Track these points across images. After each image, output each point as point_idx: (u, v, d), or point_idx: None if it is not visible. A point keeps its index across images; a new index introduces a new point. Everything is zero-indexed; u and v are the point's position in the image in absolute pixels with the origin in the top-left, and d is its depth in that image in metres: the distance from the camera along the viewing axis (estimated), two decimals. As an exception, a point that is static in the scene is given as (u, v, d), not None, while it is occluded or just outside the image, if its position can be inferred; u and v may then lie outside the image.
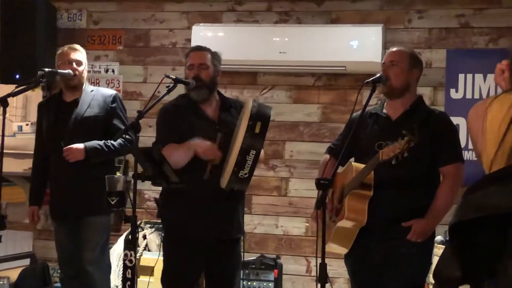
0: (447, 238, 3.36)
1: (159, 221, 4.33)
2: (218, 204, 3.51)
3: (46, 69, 4.00)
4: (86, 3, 5.80)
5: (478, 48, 5.04)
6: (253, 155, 3.27)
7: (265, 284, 4.99)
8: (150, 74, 5.65)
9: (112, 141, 4.05)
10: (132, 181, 3.17)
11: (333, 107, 5.28)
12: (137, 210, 3.17)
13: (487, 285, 2.06)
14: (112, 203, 3.23)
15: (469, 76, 4.96)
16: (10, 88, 4.03)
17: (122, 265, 4.53)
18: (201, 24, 5.42)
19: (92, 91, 4.19)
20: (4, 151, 3.69)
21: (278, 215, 5.35)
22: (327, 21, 5.31)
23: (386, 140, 3.21)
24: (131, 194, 3.17)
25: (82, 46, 4.31)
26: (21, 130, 7.96)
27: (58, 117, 4.16)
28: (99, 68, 5.72)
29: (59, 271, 5.59)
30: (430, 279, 4.07)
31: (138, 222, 4.61)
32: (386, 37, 5.11)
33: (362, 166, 3.26)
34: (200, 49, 3.71)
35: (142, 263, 4.81)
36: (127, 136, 4.02)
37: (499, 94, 2.28)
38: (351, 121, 3.52)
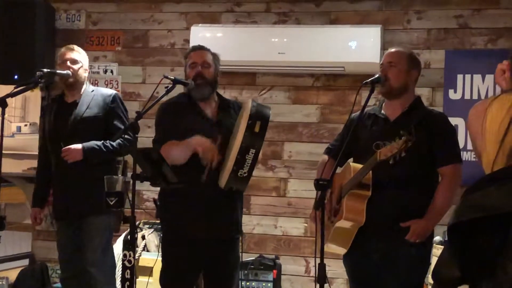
0: (446, 239, 3.36)
1: (158, 221, 4.33)
2: (217, 203, 3.51)
3: (45, 70, 4.01)
4: (85, 3, 5.80)
5: (477, 49, 5.04)
6: (253, 154, 3.27)
7: (264, 284, 4.99)
8: (149, 75, 5.66)
9: (110, 141, 4.05)
10: (131, 182, 3.17)
11: (332, 108, 5.29)
12: (136, 210, 3.17)
13: (486, 285, 2.07)
14: (111, 203, 3.23)
15: (468, 76, 4.96)
16: (9, 88, 4.02)
17: (121, 266, 4.55)
18: (200, 24, 5.42)
19: (92, 91, 4.20)
20: (3, 151, 3.68)
21: (277, 216, 5.35)
22: (326, 22, 5.31)
23: (384, 141, 3.21)
24: (130, 195, 3.17)
25: (80, 46, 4.32)
26: (20, 131, 7.96)
27: (58, 118, 4.17)
28: (98, 68, 5.72)
29: (58, 271, 5.61)
30: (429, 279, 4.08)
31: (137, 223, 4.61)
32: (384, 37, 5.12)
33: (360, 166, 3.26)
34: (201, 48, 3.71)
35: (141, 263, 4.81)
36: (126, 136, 4.02)
37: (499, 94, 2.29)
38: (350, 122, 3.52)
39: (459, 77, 4.98)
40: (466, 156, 4.77)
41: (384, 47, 4.94)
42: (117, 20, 5.75)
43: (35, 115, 6.28)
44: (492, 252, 2.02)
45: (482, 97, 4.83)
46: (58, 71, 4.11)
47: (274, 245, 5.34)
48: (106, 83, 5.68)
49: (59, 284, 5.51)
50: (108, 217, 3.98)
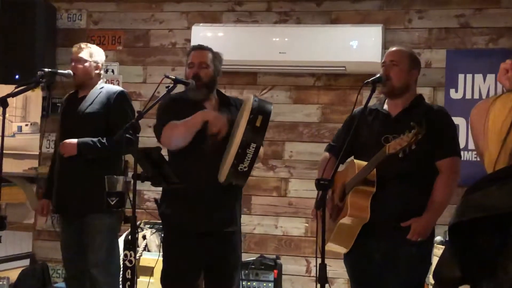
0: (447, 239, 3.36)
1: (159, 221, 4.33)
2: (216, 199, 3.51)
3: (46, 69, 4.01)
4: (86, 3, 5.80)
5: (478, 48, 5.04)
6: (253, 149, 3.28)
7: (264, 284, 4.99)
8: (150, 74, 5.66)
9: (108, 139, 4.03)
10: (132, 182, 3.17)
11: (333, 108, 5.28)
12: (136, 210, 3.17)
13: (487, 286, 2.06)
14: (112, 203, 3.23)
15: (469, 76, 4.96)
16: (9, 88, 4.03)
17: (122, 266, 4.55)
18: (201, 24, 5.42)
19: (101, 88, 4.19)
20: (4, 151, 3.68)
21: (277, 216, 5.35)
22: (327, 21, 5.31)
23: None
24: (131, 195, 3.17)
25: (81, 46, 4.32)
26: (21, 131, 7.98)
27: (66, 113, 4.21)
28: (99, 68, 5.71)
29: (59, 271, 5.62)
30: (430, 279, 4.07)
31: (138, 223, 4.60)
32: (386, 37, 5.11)
33: (364, 163, 3.25)
34: (201, 48, 3.71)
35: (141, 263, 4.80)
36: (127, 135, 4.00)
37: (502, 94, 2.28)
38: (352, 118, 3.50)
39: (460, 76, 4.98)
40: (467, 155, 4.77)
41: (385, 47, 4.94)
42: (118, 20, 5.75)
43: (36, 115, 6.29)
44: (492, 252, 2.02)
45: (483, 96, 4.83)
46: (59, 71, 4.12)
47: (275, 245, 5.34)
48: (107, 82, 5.64)
49: (59, 284, 5.53)
50: (109, 217, 3.97)
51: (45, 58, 5.46)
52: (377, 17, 5.22)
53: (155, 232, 5.11)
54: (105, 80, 4.43)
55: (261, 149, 3.41)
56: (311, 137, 5.32)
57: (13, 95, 3.81)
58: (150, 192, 5.30)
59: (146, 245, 5.05)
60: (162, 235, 3.82)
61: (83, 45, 4.23)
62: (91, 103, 4.11)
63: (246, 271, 4.96)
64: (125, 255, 3.10)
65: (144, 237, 5.08)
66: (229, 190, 3.52)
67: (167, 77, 3.46)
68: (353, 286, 3.56)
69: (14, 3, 5.48)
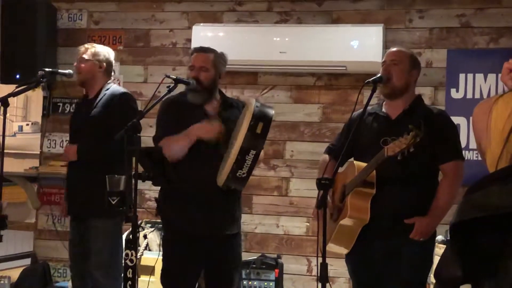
0: (448, 238, 3.36)
1: (160, 220, 4.33)
2: (216, 201, 3.52)
3: (47, 69, 4.02)
4: (87, 3, 5.80)
5: (479, 48, 5.03)
6: (253, 155, 3.27)
7: (266, 283, 4.99)
8: (151, 74, 5.66)
9: (107, 140, 4.01)
10: (133, 181, 3.17)
11: (334, 107, 5.28)
12: (137, 210, 3.17)
13: (488, 285, 2.06)
14: (113, 203, 3.23)
15: (470, 76, 4.96)
16: (10, 88, 4.03)
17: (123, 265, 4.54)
18: (202, 24, 5.42)
19: (107, 89, 4.18)
20: (5, 151, 3.69)
21: (279, 215, 5.35)
22: (328, 21, 5.31)
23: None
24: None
25: (82, 46, 4.32)
26: (22, 130, 7.98)
27: (75, 117, 4.26)
28: (99, 68, 5.71)
29: (60, 270, 5.63)
30: (431, 279, 4.07)
31: (139, 222, 4.61)
32: (386, 37, 5.11)
33: (364, 164, 3.26)
34: (202, 50, 3.70)
35: (142, 262, 4.81)
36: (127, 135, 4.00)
37: (505, 93, 2.28)
38: (351, 121, 3.51)
39: (461, 76, 4.98)
40: (468, 155, 4.77)
41: (386, 46, 4.94)
42: (119, 20, 5.75)
43: (36, 115, 6.30)
44: (494, 251, 2.02)
45: (484, 96, 4.83)
46: (59, 71, 4.12)
47: (276, 244, 5.34)
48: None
49: (60, 283, 5.54)
50: (113, 221, 3.98)
51: (45, 58, 5.46)
52: (378, 17, 5.22)
53: (153, 230, 5.11)
54: (113, 80, 4.43)
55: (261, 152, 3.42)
56: (312, 137, 5.32)
57: (14, 94, 3.81)
58: (151, 191, 5.30)
59: (147, 244, 5.06)
60: (162, 234, 3.83)
61: (87, 45, 4.24)
62: (96, 105, 4.11)
63: (247, 270, 4.96)
64: (126, 254, 3.10)
65: (145, 236, 5.09)
66: (229, 192, 3.52)
67: (168, 76, 3.47)
68: (354, 286, 3.56)
69: (15, 3, 5.48)
